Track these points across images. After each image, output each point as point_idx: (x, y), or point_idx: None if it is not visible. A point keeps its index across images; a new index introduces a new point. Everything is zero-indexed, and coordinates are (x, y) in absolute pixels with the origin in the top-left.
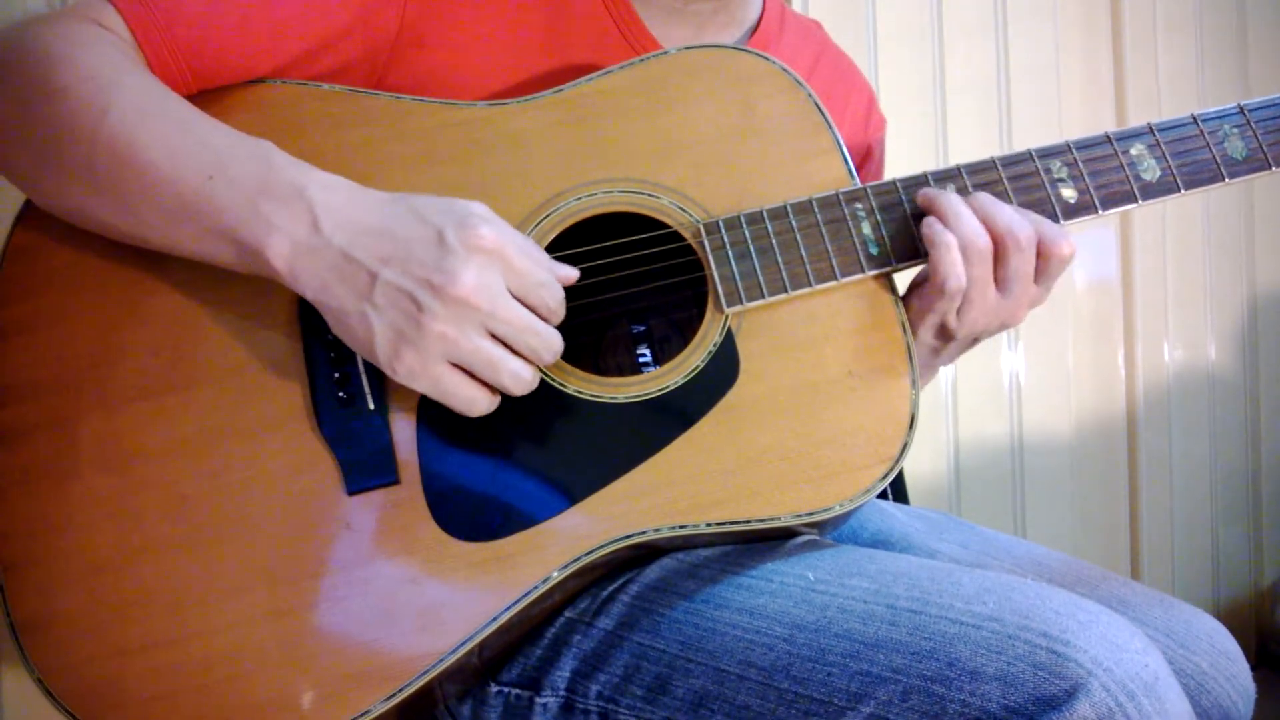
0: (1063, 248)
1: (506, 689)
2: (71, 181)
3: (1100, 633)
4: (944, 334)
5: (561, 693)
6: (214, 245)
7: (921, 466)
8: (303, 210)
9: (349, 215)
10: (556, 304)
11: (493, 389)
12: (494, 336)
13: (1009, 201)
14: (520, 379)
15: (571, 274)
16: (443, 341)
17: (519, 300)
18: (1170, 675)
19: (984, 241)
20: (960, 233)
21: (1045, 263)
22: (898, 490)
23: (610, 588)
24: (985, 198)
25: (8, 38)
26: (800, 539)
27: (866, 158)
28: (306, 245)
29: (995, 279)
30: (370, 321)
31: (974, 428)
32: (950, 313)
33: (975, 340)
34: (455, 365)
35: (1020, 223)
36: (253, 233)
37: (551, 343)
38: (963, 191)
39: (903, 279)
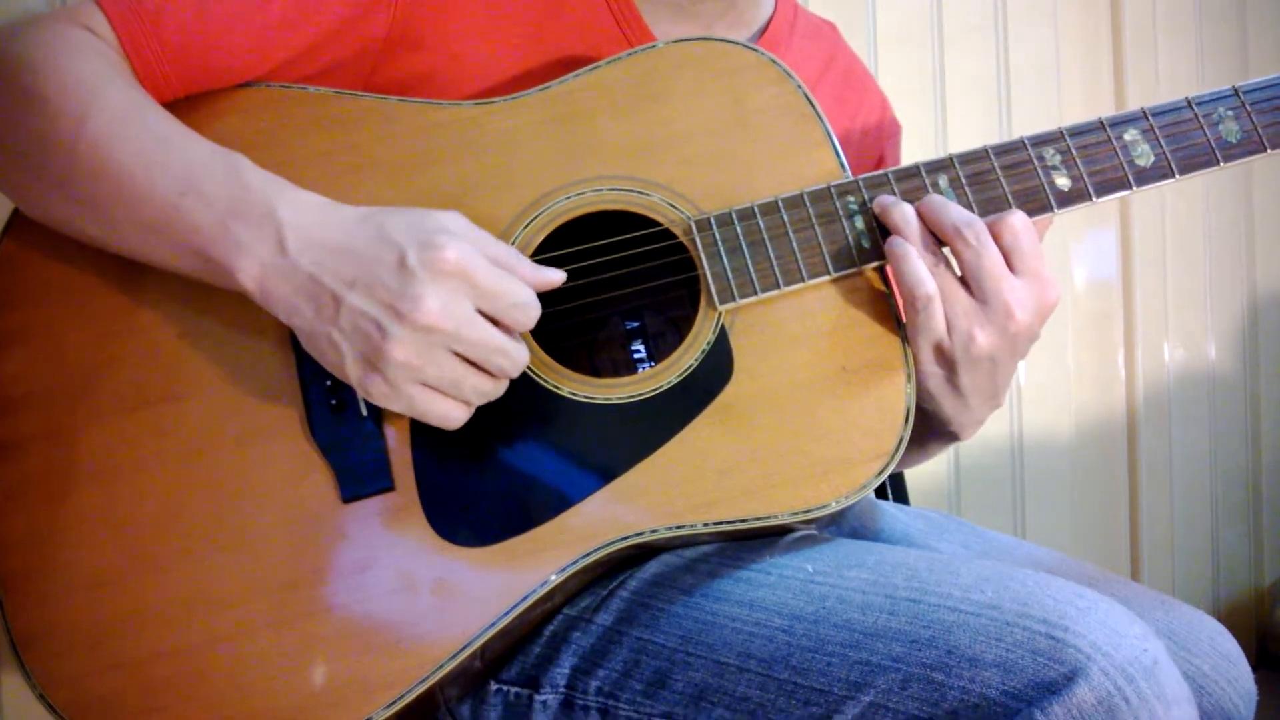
0: (1011, 218)
1: (506, 687)
2: (52, 190)
3: (1099, 619)
4: (945, 358)
5: (561, 690)
6: (188, 261)
7: (921, 466)
8: (271, 231)
9: (317, 236)
10: (530, 320)
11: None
12: (459, 355)
13: (1002, 190)
14: (483, 394)
15: (556, 277)
16: (407, 368)
17: (489, 317)
18: (1169, 661)
19: (940, 250)
20: (917, 243)
21: (1002, 241)
22: (898, 490)
23: (609, 585)
24: (935, 201)
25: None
26: (798, 533)
27: (879, 165)
28: (275, 267)
29: (964, 283)
30: (339, 345)
31: None
32: (938, 330)
33: (993, 363)
34: (426, 385)
35: (963, 216)
36: (223, 253)
37: (518, 360)
38: (955, 183)
39: None
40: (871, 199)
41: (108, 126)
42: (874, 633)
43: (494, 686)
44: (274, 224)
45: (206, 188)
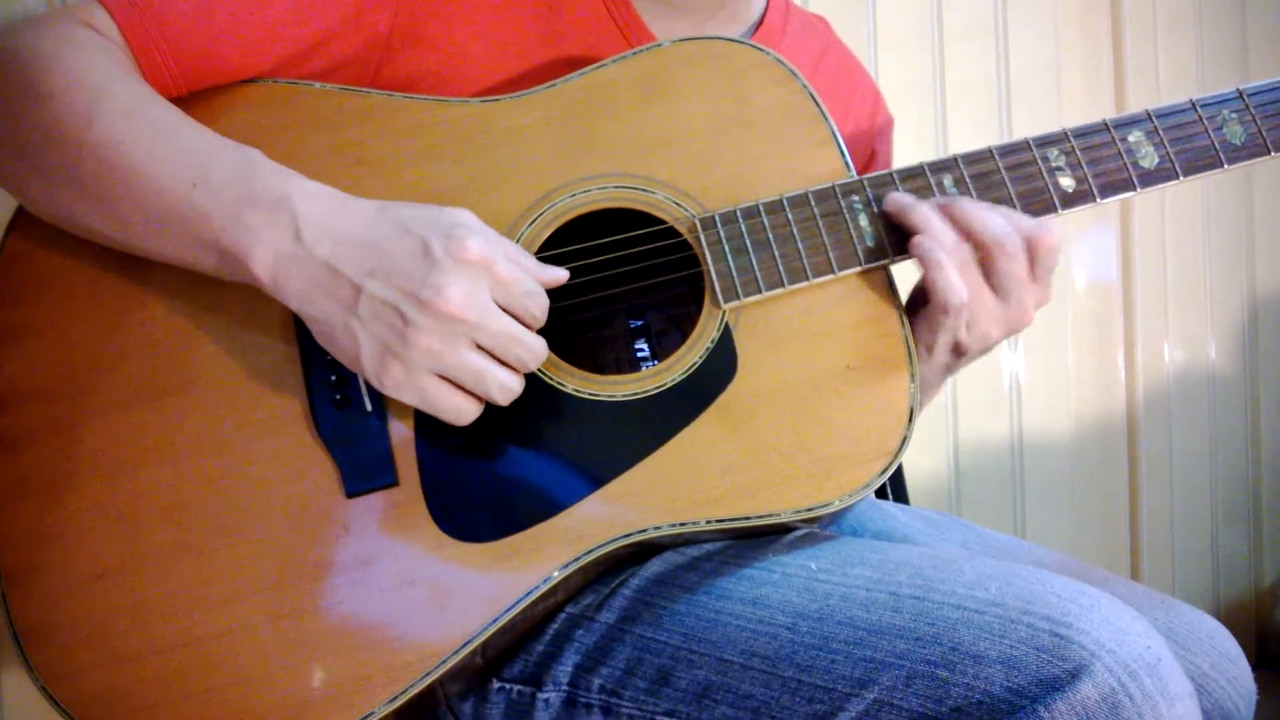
0: (1048, 237)
1: (508, 686)
2: (59, 187)
3: (1103, 616)
4: (957, 350)
5: (564, 688)
6: (199, 253)
7: (921, 466)
8: (285, 220)
9: (332, 225)
10: (541, 312)
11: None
12: (479, 347)
13: (1006, 191)
14: (508, 390)
15: (560, 275)
16: (429, 355)
17: (505, 310)
18: (1172, 657)
19: (968, 253)
20: (946, 249)
21: (1035, 255)
22: (898, 490)
23: (612, 582)
24: (963, 205)
25: (4, 38)
26: (801, 531)
27: (872, 158)
28: (289, 255)
29: (990, 286)
30: (356, 334)
31: (974, 428)
32: (960, 329)
33: (987, 350)
34: (442, 376)
35: (1004, 227)
36: (236, 242)
37: (537, 351)
38: (959, 183)
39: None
40: (877, 198)
41: (116, 121)
42: (878, 630)
43: (496, 684)
44: (288, 213)
45: (218, 178)
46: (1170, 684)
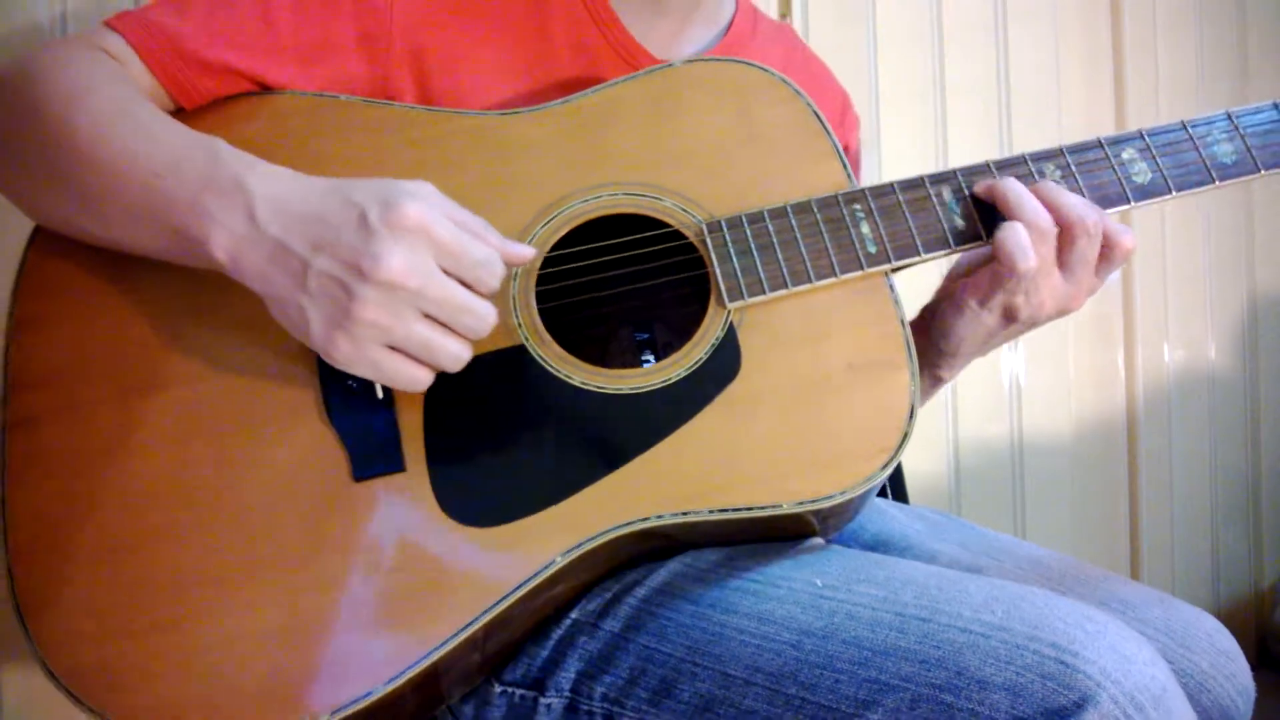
0: (1127, 240)
1: (510, 689)
2: (48, 191)
3: (1109, 643)
4: (1009, 314)
5: (566, 694)
6: (167, 241)
7: (921, 466)
8: (240, 202)
9: (285, 204)
10: (492, 279)
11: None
12: (427, 316)
13: None
14: (458, 360)
15: (525, 253)
16: (374, 328)
17: (455, 277)
18: (1177, 686)
19: (1046, 223)
20: (1024, 216)
21: (1110, 250)
22: (898, 490)
23: (616, 590)
24: (1049, 185)
25: (14, 62)
26: (807, 543)
27: (844, 152)
28: (245, 236)
29: (1060, 262)
30: (305, 309)
31: (974, 428)
32: (1019, 293)
33: (1033, 325)
34: (392, 347)
35: (1089, 209)
36: (197, 226)
37: (487, 318)
38: (958, 195)
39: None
40: (878, 207)
41: (94, 120)
42: (883, 651)
43: (498, 688)
44: (244, 195)
45: (183, 167)
46: (1175, 715)
